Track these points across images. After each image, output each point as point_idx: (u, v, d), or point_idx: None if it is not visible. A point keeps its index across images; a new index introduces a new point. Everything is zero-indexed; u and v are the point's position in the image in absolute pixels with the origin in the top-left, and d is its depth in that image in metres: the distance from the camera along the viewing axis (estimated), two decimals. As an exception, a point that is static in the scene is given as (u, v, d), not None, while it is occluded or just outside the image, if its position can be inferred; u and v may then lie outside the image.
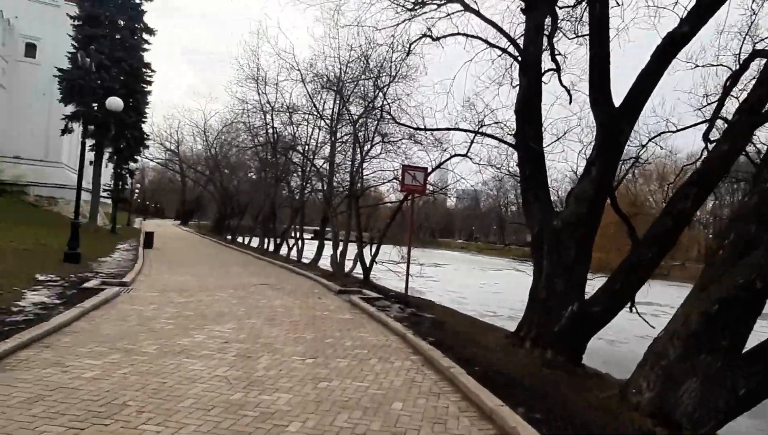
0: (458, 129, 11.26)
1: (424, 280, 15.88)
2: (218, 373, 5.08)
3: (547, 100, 9.42)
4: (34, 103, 36.91)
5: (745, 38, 8.10)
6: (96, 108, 24.55)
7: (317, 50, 37.58)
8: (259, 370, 5.37)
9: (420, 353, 6.69)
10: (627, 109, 7.48)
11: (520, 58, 9.38)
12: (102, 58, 27.93)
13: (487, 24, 8.86)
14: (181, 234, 44.61)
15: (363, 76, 17.09)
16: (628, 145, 8.91)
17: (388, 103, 14.08)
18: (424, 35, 9.19)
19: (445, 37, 9.09)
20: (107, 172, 36.10)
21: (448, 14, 8.84)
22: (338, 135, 20.20)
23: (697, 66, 9.37)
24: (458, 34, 9.05)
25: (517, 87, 10.31)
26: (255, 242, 34.06)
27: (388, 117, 14.56)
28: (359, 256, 16.04)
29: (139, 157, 40.37)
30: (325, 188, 21.13)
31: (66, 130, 29.65)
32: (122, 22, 30.33)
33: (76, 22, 29.19)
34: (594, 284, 8.05)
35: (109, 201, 38.26)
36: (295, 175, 26.50)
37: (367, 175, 18.17)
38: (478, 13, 8.94)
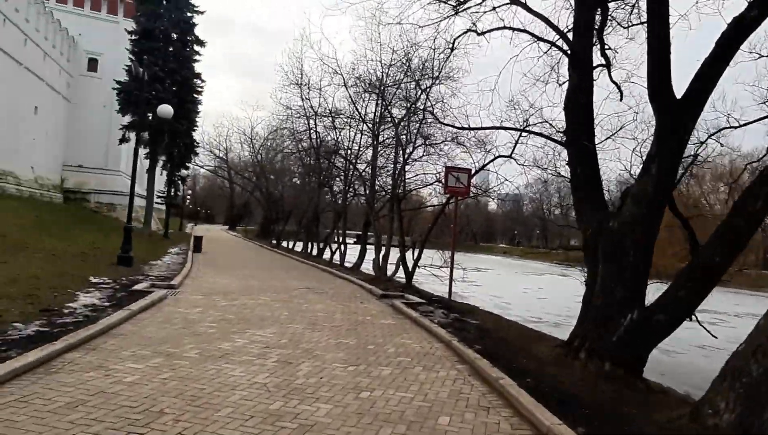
0: (503, 127, 10.85)
1: (467, 284, 15.47)
2: (258, 380, 4.95)
3: (597, 96, 8.90)
4: (95, 114, 39.00)
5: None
6: (150, 117, 25.57)
7: (359, 54, 37.76)
8: (300, 377, 5.21)
9: (466, 362, 6.35)
10: (689, 101, 6.88)
11: (569, 52, 8.90)
12: (156, 70, 29.17)
13: (534, 17, 8.45)
14: (229, 238, 45.86)
15: (405, 79, 16.93)
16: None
17: (431, 104, 13.81)
18: (469, 30, 8.88)
19: (490, 31, 8.75)
20: (162, 179, 37.65)
21: (494, 8, 8.51)
22: (380, 138, 20.12)
23: (761, 56, 8.55)
24: (504, 28, 8.68)
25: (565, 84, 9.82)
26: (299, 246, 34.50)
27: (431, 118, 14.27)
28: (401, 260, 15.81)
29: (190, 165, 41.98)
30: (367, 192, 21.08)
31: (123, 140, 31.10)
32: (175, 35, 31.56)
33: (133, 37, 30.60)
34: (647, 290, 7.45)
35: (163, 207, 39.80)
36: (337, 179, 26.64)
37: (409, 178, 17.96)
38: (524, 6, 8.54)
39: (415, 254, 15.57)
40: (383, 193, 20.29)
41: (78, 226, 24.73)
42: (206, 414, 3.92)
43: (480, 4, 8.65)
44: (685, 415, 4.79)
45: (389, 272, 17.35)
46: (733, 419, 4.13)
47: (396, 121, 17.40)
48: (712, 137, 9.48)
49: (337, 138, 24.30)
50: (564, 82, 10.11)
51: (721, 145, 10.50)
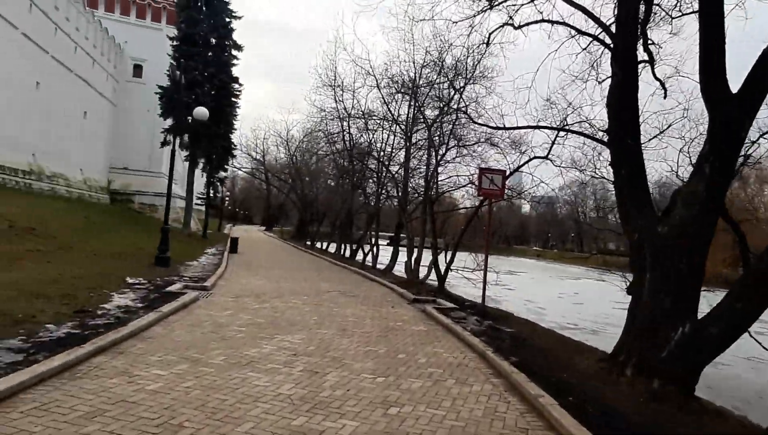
0: (540, 127, 10.40)
1: (499, 288, 15.02)
2: (282, 391, 4.78)
3: (640, 93, 8.36)
4: (139, 118, 40.43)
5: None
6: (189, 120, 26.19)
7: (392, 54, 37.61)
8: (326, 388, 5.01)
9: (502, 376, 6.00)
10: (746, 94, 6.29)
11: (612, 45, 8.40)
12: (195, 75, 29.91)
13: (574, 9, 7.99)
14: (265, 239, 46.56)
15: (438, 79, 16.61)
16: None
17: (465, 104, 13.44)
18: (505, 24, 8.48)
19: (527, 25, 8.32)
20: (202, 181, 38.64)
21: (531, 0, 8.07)
22: (413, 139, 19.87)
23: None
24: (542, 21, 8.25)
25: (605, 81, 9.30)
26: (333, 248, 34.62)
27: (464, 118, 13.90)
28: (434, 264, 15.48)
29: (228, 167, 42.93)
30: (399, 194, 20.87)
31: (165, 143, 32.01)
32: (213, 40, 32.25)
33: (174, 43, 31.47)
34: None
35: (203, 208, 40.83)
36: (370, 181, 26.55)
37: (441, 179, 17.63)
38: (564, -3, 8.08)
39: (448, 257, 15.21)
40: (416, 195, 20.03)
41: (122, 227, 25.56)
42: (226, 429, 3.76)
43: (517, -5, 8.26)
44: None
45: (421, 275, 17.06)
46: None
47: (429, 122, 17.11)
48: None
49: (370, 140, 24.23)
50: (604, 80, 9.60)
51: (771, 144, 9.72)
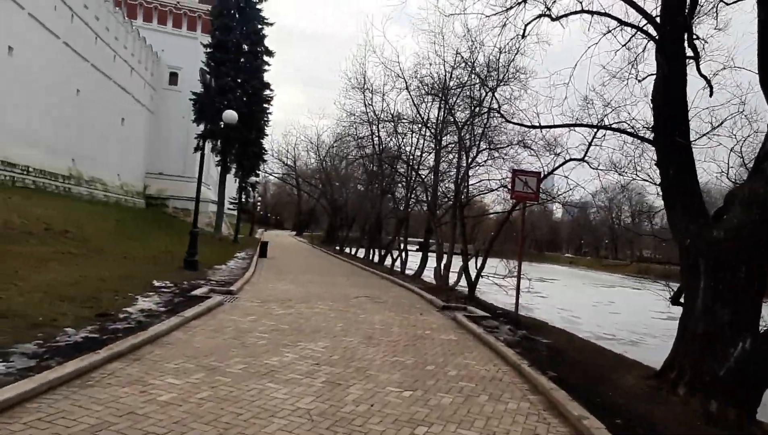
0: (578, 124, 9.80)
1: (531, 295, 14.41)
2: (301, 405, 4.46)
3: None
4: (174, 125, 41.33)
5: None
6: (222, 126, 26.51)
7: (422, 56, 37.27)
8: (348, 403, 4.66)
9: (540, 392, 5.52)
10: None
11: (657, 37, 7.82)
12: (228, 81, 30.33)
13: (617, -1, 7.46)
14: (295, 244, 46.82)
15: (469, 81, 16.17)
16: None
17: (499, 104, 12.93)
18: (542, 15, 8.01)
19: (566, 15, 7.82)
20: (235, 186, 39.12)
21: (570, -11, 7.58)
22: (442, 143, 19.48)
23: None
24: (582, 11, 7.74)
25: (645, 79, 8.70)
26: (361, 253, 34.44)
27: (497, 116, 13.38)
28: (464, 270, 14.97)
29: (260, 172, 43.41)
30: (429, 198, 20.49)
31: (198, 148, 32.51)
32: (246, 47, 32.65)
33: (207, 50, 32.03)
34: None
35: (236, 212, 41.37)
36: (400, 185, 26.27)
37: (472, 183, 17.12)
38: (606, -13, 7.56)
39: (478, 263, 14.68)
40: (445, 199, 19.59)
41: (155, 231, 26.01)
42: (237, 448, 3.46)
43: (555, -15, 7.79)
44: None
45: (451, 281, 16.58)
46: None
47: (459, 124, 16.67)
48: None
49: (400, 143, 23.96)
50: (645, 78, 9.02)
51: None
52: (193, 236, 14.48)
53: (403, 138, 23.61)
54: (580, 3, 7.68)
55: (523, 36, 8.58)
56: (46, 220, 15.50)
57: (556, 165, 12.79)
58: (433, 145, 20.09)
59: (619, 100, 9.96)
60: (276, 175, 56.92)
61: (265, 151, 38.28)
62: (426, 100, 19.60)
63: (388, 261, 27.12)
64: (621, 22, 7.90)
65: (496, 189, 16.63)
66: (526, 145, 15.18)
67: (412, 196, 24.14)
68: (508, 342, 8.08)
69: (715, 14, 8.54)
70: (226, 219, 40.01)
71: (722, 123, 9.09)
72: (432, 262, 19.63)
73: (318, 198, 52.45)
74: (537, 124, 10.11)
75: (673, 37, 7.43)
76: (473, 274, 14.48)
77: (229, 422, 3.90)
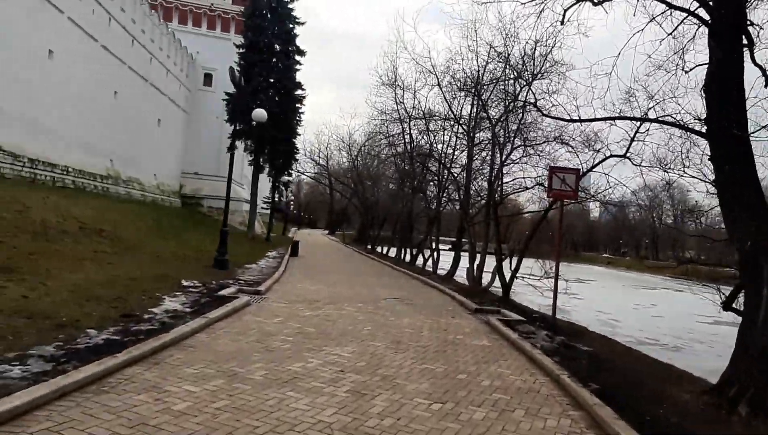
0: (621, 117, 9.19)
1: (568, 297, 13.73)
2: (322, 418, 4.17)
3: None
4: (209, 125, 42.03)
5: None
6: (254, 125, 26.68)
7: (453, 51, 36.64)
8: (372, 416, 4.34)
9: (582, 408, 5.06)
10: None
11: (710, 21, 7.19)
12: (260, 81, 30.54)
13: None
14: (327, 243, 46.93)
15: (503, 75, 15.61)
16: None
17: (535, 98, 12.35)
18: (583, -1, 7.49)
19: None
20: (268, 186, 39.45)
21: (614, -29, 7.04)
22: (475, 140, 18.95)
23: None
24: (628, -6, 7.20)
25: (693, 69, 8.06)
26: (393, 252, 34.15)
27: (533, 111, 12.81)
28: (498, 270, 14.43)
29: (292, 171, 43.74)
30: (461, 197, 19.99)
31: (231, 148, 32.91)
32: (278, 47, 32.82)
33: (240, 51, 32.37)
34: None
35: (269, 211, 41.77)
36: (431, 184, 25.83)
37: (506, 181, 16.52)
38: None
39: (512, 263, 14.12)
40: (478, 198, 19.05)
41: (190, 230, 26.38)
42: (249, 467, 3.20)
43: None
44: None
45: (484, 282, 16.06)
46: None
47: (493, 120, 16.13)
48: None
49: (431, 141, 23.52)
50: (693, 68, 8.36)
51: None
52: (223, 235, 14.45)
53: (434, 135, 23.22)
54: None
55: (562, 22, 8.05)
56: (82, 219, 15.82)
57: (596, 162, 12.17)
58: (466, 143, 19.60)
59: (665, 92, 9.27)
60: (309, 174, 57.35)
61: (297, 150, 38.49)
62: (458, 96, 19.14)
63: (419, 261, 26.72)
64: (670, 5, 7.30)
65: (532, 187, 15.98)
66: (564, 141, 14.52)
67: (444, 194, 23.68)
68: (546, 349, 7.60)
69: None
70: (260, 218, 40.40)
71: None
72: (464, 262, 19.14)
73: (350, 197, 52.47)
74: (576, 118, 9.53)
75: (728, 19, 6.81)
76: (507, 274, 13.95)
77: (245, 436, 3.65)
